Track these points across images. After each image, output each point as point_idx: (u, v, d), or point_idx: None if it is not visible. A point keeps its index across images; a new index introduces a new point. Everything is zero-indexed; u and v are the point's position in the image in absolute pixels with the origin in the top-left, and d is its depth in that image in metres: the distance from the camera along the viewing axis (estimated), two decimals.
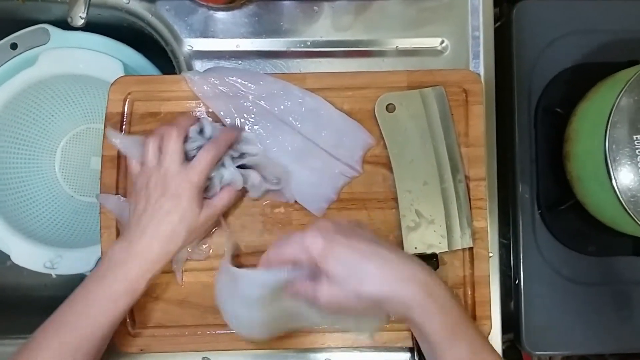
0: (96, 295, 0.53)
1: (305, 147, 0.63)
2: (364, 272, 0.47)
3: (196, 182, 0.56)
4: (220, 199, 0.59)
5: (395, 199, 0.63)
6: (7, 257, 0.73)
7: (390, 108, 0.63)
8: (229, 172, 0.60)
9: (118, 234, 0.62)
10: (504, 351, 0.69)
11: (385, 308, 0.49)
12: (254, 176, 0.61)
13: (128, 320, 0.62)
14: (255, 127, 0.62)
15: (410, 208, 0.62)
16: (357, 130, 0.63)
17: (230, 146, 0.60)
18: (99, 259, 0.70)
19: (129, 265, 0.54)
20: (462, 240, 0.62)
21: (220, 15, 0.70)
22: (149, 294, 0.62)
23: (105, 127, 0.62)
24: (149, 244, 0.55)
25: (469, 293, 0.63)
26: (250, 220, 0.64)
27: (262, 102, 0.63)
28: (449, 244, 0.62)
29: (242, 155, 0.62)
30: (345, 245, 0.48)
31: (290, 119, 0.63)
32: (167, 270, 0.62)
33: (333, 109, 0.63)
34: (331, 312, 0.50)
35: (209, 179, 0.58)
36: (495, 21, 0.73)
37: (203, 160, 0.56)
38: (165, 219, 0.55)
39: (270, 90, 0.63)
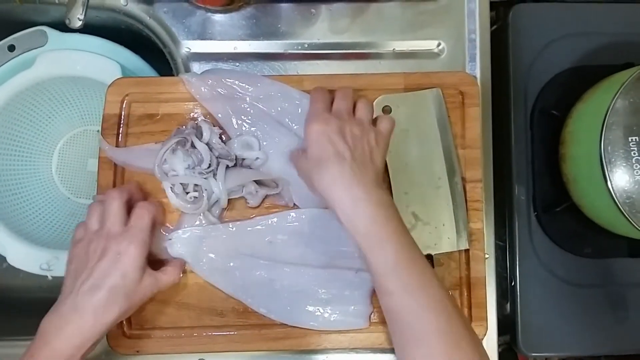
0: None
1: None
2: (322, 164, 0.53)
3: (141, 239, 0.54)
4: (167, 274, 0.58)
5: None
6: (3, 259, 0.72)
7: (386, 110, 0.63)
8: (218, 191, 0.60)
9: None
10: (500, 354, 0.69)
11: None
12: (248, 185, 0.61)
13: (124, 321, 0.62)
14: (252, 128, 0.63)
15: (406, 210, 0.62)
16: None
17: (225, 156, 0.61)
18: None
19: (58, 342, 0.50)
20: (459, 242, 0.62)
21: (217, 17, 0.71)
22: None
23: (102, 128, 0.63)
24: (81, 316, 0.51)
25: (465, 294, 0.63)
26: None
27: (260, 104, 0.63)
28: (445, 246, 0.62)
29: (243, 160, 0.62)
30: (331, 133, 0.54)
31: (287, 120, 0.63)
32: None
33: None
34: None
35: (195, 186, 0.60)
36: (492, 24, 0.74)
37: (144, 219, 0.55)
38: (102, 282, 0.52)
39: (268, 92, 0.63)
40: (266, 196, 0.63)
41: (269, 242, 0.63)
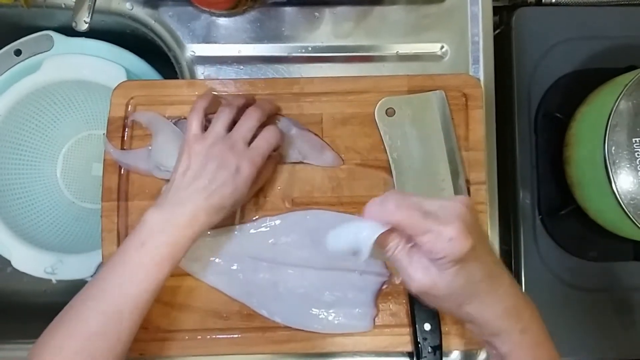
0: (140, 260, 0.51)
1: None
2: (479, 294, 0.44)
3: (258, 164, 0.56)
4: (266, 172, 0.61)
5: None
6: (8, 263, 0.73)
7: (390, 112, 0.63)
8: None
9: (119, 237, 0.62)
10: None
11: (472, 328, 0.47)
12: None
13: None
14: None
15: None
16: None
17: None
18: (100, 264, 0.70)
19: (172, 232, 0.52)
20: None
21: (222, 21, 0.71)
22: None
23: (107, 131, 0.63)
24: (195, 214, 0.53)
25: None
26: None
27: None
28: None
29: None
30: (479, 256, 0.42)
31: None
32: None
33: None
34: (414, 291, 0.44)
35: None
36: (495, 29, 0.74)
37: (265, 144, 0.57)
38: (218, 191, 0.54)
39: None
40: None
41: (272, 244, 0.63)
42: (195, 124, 0.57)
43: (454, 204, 0.42)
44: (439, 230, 0.40)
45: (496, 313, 0.45)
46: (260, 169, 0.57)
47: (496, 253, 0.48)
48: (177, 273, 0.62)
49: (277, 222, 0.63)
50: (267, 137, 0.58)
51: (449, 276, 0.41)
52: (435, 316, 0.60)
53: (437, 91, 0.64)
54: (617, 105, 0.59)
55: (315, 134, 0.64)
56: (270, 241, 0.63)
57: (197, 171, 0.54)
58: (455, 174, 0.63)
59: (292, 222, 0.63)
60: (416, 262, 0.42)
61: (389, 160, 0.63)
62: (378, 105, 0.63)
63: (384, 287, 0.63)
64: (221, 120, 0.57)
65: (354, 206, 0.63)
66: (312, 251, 0.62)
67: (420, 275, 0.42)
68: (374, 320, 0.62)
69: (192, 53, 0.71)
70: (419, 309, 0.60)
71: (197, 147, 0.55)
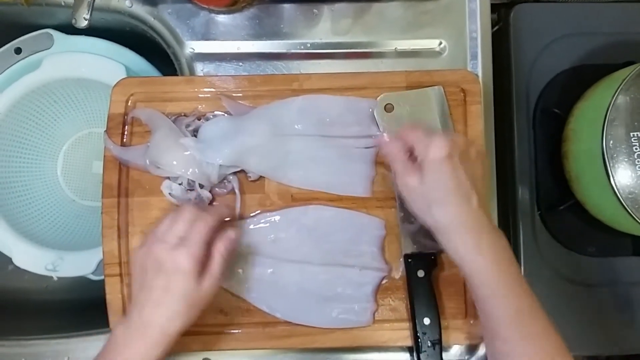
0: None
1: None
2: (447, 200, 0.52)
3: (193, 255, 0.52)
4: (216, 264, 0.54)
5: (395, 199, 0.63)
6: (9, 261, 0.73)
7: (388, 108, 0.64)
8: (176, 188, 0.62)
9: (120, 234, 0.63)
10: None
11: (436, 233, 0.54)
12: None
13: None
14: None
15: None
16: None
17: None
18: (100, 261, 0.70)
19: (129, 352, 0.51)
20: None
21: (221, 18, 0.71)
22: None
23: (107, 127, 0.63)
24: (148, 329, 0.51)
25: (469, 294, 0.63)
26: None
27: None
28: None
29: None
30: (455, 169, 0.52)
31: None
32: None
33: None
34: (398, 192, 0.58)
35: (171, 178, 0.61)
36: (493, 26, 0.74)
37: (197, 234, 0.53)
38: (163, 299, 0.51)
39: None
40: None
41: (272, 240, 0.63)
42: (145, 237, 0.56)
43: (451, 136, 0.54)
44: (427, 141, 0.53)
45: (457, 224, 0.52)
46: (204, 253, 0.53)
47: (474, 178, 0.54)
48: None
49: (277, 218, 0.63)
50: (197, 227, 0.54)
51: (426, 173, 0.53)
52: (434, 310, 0.60)
53: (436, 87, 0.64)
54: (614, 100, 0.59)
55: None
56: (270, 237, 0.63)
57: (143, 284, 0.53)
58: None
59: (292, 218, 0.63)
60: (409, 168, 0.54)
61: None
62: (377, 100, 0.64)
63: (384, 282, 0.63)
64: (159, 225, 0.55)
65: (353, 201, 0.64)
66: (312, 247, 0.62)
67: (408, 177, 0.54)
68: (374, 315, 0.62)
69: (192, 50, 0.71)
70: (419, 304, 0.61)
71: (136, 258, 0.54)
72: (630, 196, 0.58)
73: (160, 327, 0.51)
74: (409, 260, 0.62)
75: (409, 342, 0.62)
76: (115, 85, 0.64)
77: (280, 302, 0.62)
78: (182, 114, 0.64)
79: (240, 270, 0.62)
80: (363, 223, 0.64)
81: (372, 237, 0.63)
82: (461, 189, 0.52)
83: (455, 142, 0.53)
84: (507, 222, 0.74)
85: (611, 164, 0.59)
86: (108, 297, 0.62)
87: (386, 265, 0.63)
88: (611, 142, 0.59)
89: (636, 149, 0.59)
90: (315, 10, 0.71)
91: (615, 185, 0.59)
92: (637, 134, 0.59)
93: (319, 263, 0.62)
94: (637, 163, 0.59)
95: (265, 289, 0.62)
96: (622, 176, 0.59)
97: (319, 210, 0.63)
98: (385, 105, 0.63)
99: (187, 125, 0.63)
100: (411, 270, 0.61)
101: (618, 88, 0.59)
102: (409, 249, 0.62)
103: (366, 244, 0.63)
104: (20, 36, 0.76)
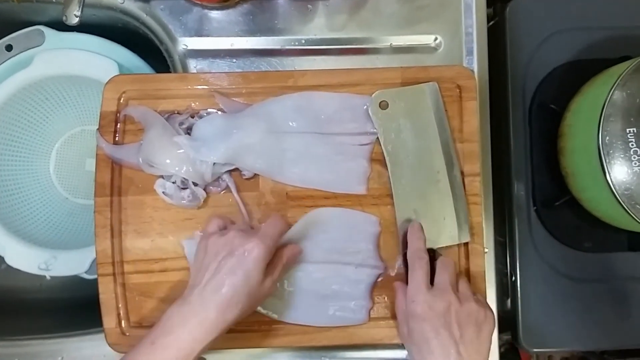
0: None
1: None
2: (421, 342, 0.55)
3: (266, 245, 0.53)
4: (278, 268, 0.57)
5: (391, 195, 0.63)
6: (1, 259, 0.72)
7: (383, 105, 0.63)
8: (169, 187, 0.61)
9: (113, 233, 0.62)
10: (502, 354, 0.69)
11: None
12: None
13: (122, 319, 0.61)
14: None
15: (406, 204, 0.62)
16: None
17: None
18: (94, 260, 0.70)
19: (181, 332, 0.50)
20: (460, 235, 0.62)
21: (214, 14, 0.71)
22: (144, 293, 0.62)
23: (99, 126, 0.63)
24: (206, 310, 0.51)
25: None
26: None
27: None
28: (446, 239, 0.62)
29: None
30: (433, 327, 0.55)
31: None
32: (163, 269, 0.62)
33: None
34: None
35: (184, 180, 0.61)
36: (489, 21, 0.74)
37: (272, 229, 0.55)
38: (228, 280, 0.52)
39: None
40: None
41: None
42: (211, 224, 0.58)
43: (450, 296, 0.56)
44: (412, 295, 0.57)
45: None
46: (272, 254, 0.55)
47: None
48: (174, 268, 0.62)
49: None
50: (271, 222, 0.56)
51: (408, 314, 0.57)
52: None
53: (431, 83, 0.64)
54: (611, 96, 0.59)
55: None
56: None
57: (209, 265, 0.53)
58: (449, 166, 0.62)
59: (287, 216, 0.63)
60: (402, 294, 0.59)
61: (383, 153, 0.63)
62: (372, 97, 0.63)
63: (379, 279, 0.63)
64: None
65: (348, 199, 0.63)
66: (308, 246, 0.62)
67: (399, 302, 0.59)
68: (370, 312, 0.62)
69: (185, 46, 0.71)
70: None
71: (206, 243, 0.55)
72: (626, 192, 0.58)
73: (218, 309, 0.51)
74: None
75: None
76: (107, 83, 0.64)
77: (276, 300, 0.62)
78: (176, 112, 0.63)
79: None
80: (358, 220, 0.63)
81: (367, 234, 0.63)
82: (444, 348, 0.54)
83: (450, 301, 0.55)
84: (503, 218, 0.74)
85: (607, 160, 0.59)
86: (101, 296, 0.61)
87: (382, 262, 0.63)
88: (607, 137, 0.59)
89: (632, 144, 0.58)
90: (309, 6, 0.71)
91: (611, 181, 0.59)
92: (633, 130, 0.59)
93: (315, 261, 0.62)
94: (633, 159, 0.58)
95: None
96: (618, 172, 0.59)
97: (315, 209, 0.63)
98: (379, 103, 0.63)
99: (181, 123, 0.62)
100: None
101: (614, 83, 0.59)
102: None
103: (361, 241, 0.63)
104: (11, 33, 0.75)
